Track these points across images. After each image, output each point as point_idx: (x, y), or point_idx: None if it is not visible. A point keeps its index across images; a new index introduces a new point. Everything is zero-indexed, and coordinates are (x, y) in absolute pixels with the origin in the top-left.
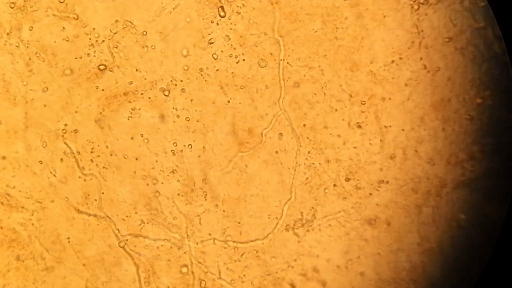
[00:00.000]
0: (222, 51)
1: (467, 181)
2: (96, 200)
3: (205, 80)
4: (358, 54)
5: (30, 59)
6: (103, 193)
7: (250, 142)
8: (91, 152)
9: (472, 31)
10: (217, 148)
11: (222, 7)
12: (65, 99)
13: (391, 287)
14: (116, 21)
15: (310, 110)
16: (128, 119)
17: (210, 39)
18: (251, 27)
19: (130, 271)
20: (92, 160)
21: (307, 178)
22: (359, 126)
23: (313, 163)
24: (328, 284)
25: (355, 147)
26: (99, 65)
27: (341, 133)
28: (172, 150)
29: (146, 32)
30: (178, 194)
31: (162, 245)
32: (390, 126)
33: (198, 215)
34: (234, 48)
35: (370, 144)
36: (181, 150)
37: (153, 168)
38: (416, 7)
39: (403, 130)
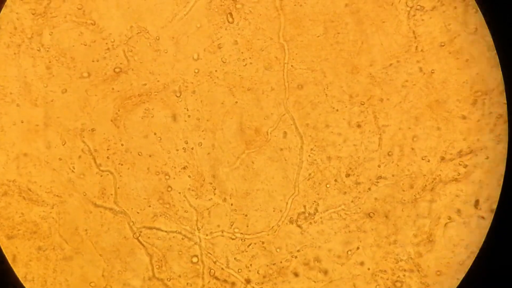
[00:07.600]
0: (230, 55)
1: (460, 176)
2: (112, 194)
3: (215, 82)
4: (358, 58)
5: (50, 62)
6: (118, 188)
7: (256, 140)
8: (107, 149)
9: (465, 36)
10: (226, 146)
11: (230, 13)
12: (83, 100)
13: (389, 276)
14: (131, 27)
15: (313, 110)
16: (142, 119)
17: (219, 43)
18: (257, 33)
19: (143, 261)
20: (108, 157)
21: (309, 174)
22: (359, 125)
23: (316, 160)
24: (329, 272)
25: (355, 145)
26: (115, 68)
27: (341, 132)
28: (183, 148)
29: (159, 37)
30: (189, 189)
31: (174, 237)
32: (388, 125)
33: (208, 209)
34: (242, 52)
35: (369, 142)
36: (192, 148)
37: (165, 164)
38: (412, 13)
39: (400, 129)
